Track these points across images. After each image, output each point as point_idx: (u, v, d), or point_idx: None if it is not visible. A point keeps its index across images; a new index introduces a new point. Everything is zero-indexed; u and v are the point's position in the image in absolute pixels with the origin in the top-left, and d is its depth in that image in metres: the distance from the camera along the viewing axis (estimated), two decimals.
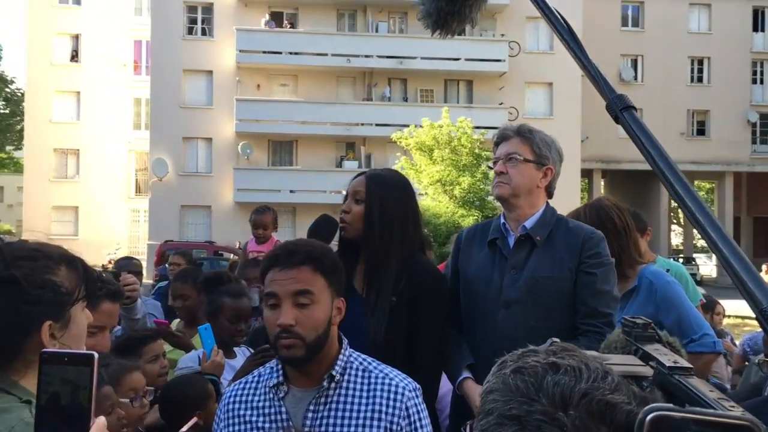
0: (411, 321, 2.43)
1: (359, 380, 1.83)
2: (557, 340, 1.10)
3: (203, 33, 28.64)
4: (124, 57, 31.83)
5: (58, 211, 31.46)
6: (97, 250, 26.23)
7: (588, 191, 33.68)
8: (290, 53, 27.65)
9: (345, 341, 1.88)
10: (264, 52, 27.45)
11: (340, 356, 1.83)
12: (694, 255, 34.94)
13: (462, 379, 2.46)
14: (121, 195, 31.95)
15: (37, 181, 31.18)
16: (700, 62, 33.49)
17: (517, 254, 2.51)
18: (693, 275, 22.17)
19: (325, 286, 1.80)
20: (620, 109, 1.07)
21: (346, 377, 1.82)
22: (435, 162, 20.55)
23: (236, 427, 1.84)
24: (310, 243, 1.94)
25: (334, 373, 1.80)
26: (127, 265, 4.71)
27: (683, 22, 33.15)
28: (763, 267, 18.85)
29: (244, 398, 1.88)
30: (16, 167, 42.93)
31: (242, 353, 3.30)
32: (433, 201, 20.67)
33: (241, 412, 1.85)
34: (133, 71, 32.02)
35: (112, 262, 12.41)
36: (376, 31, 28.69)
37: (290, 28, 28.51)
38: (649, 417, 0.69)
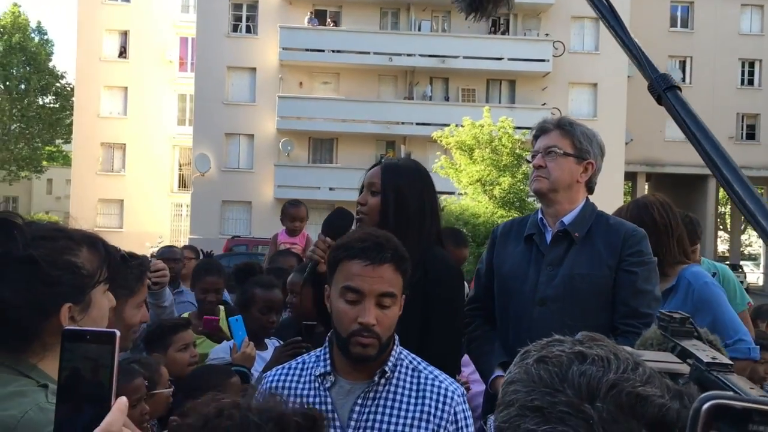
0: (425, 315, 2.36)
1: (408, 379, 1.80)
2: (586, 333, 1.04)
3: (248, 30, 28.94)
4: (170, 53, 32.35)
5: (104, 203, 32.13)
6: (141, 243, 26.70)
7: (632, 194, 33.05)
8: (333, 51, 27.75)
9: (396, 337, 1.84)
10: (307, 50, 27.60)
11: (393, 352, 1.80)
12: (741, 262, 34.01)
13: (494, 377, 2.39)
14: (165, 189, 32.48)
15: (84, 174, 31.87)
16: (751, 64, 32.57)
17: (554, 250, 2.42)
18: (740, 283, 21.56)
19: (401, 287, 1.79)
20: (663, 89, 1.01)
21: (396, 374, 1.79)
22: (475, 162, 20.38)
23: None
24: (392, 238, 1.86)
25: (386, 369, 1.77)
26: (168, 252, 4.76)
27: (734, 23, 32.27)
28: None
29: (287, 384, 1.83)
30: (65, 160, 44.01)
31: (273, 345, 3.29)
32: (473, 201, 20.52)
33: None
34: (179, 68, 32.51)
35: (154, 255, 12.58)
36: (419, 29, 28.60)
37: (333, 26, 28.63)
38: (705, 406, 0.61)
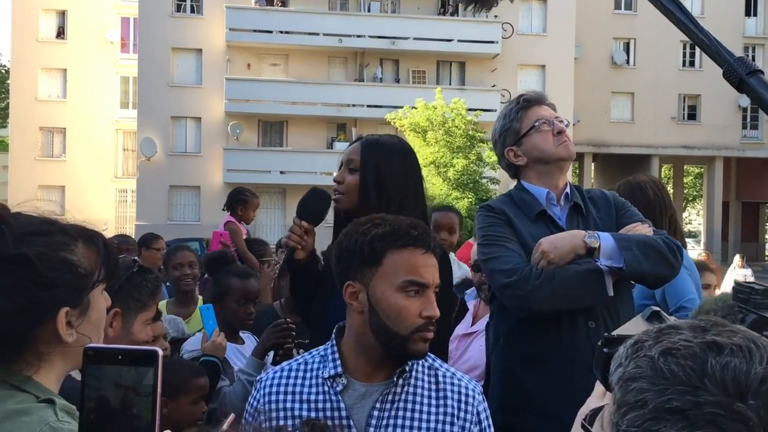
0: None
1: (426, 378, 1.65)
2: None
3: (192, 10, 28.15)
4: (111, 34, 31.27)
5: (44, 190, 31.01)
6: None
7: (579, 175, 33.66)
8: (281, 32, 27.25)
9: None
10: (254, 31, 27.02)
11: None
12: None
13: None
14: (109, 175, 31.55)
15: (22, 159, 30.70)
16: (692, 47, 33.37)
17: (572, 226, 2.31)
18: None
19: None
20: (746, 74, 0.92)
21: (413, 374, 1.64)
22: (429, 143, 20.37)
23: (282, 422, 1.60)
24: None
25: (405, 367, 1.61)
26: (124, 242, 4.55)
27: None
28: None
29: (289, 389, 1.64)
30: (1, 146, 42.33)
31: (249, 339, 3.16)
32: (427, 183, 20.54)
33: (288, 405, 1.62)
34: (120, 49, 31.47)
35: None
36: (368, 10, 28.33)
37: (281, 6, 28.08)
38: None
